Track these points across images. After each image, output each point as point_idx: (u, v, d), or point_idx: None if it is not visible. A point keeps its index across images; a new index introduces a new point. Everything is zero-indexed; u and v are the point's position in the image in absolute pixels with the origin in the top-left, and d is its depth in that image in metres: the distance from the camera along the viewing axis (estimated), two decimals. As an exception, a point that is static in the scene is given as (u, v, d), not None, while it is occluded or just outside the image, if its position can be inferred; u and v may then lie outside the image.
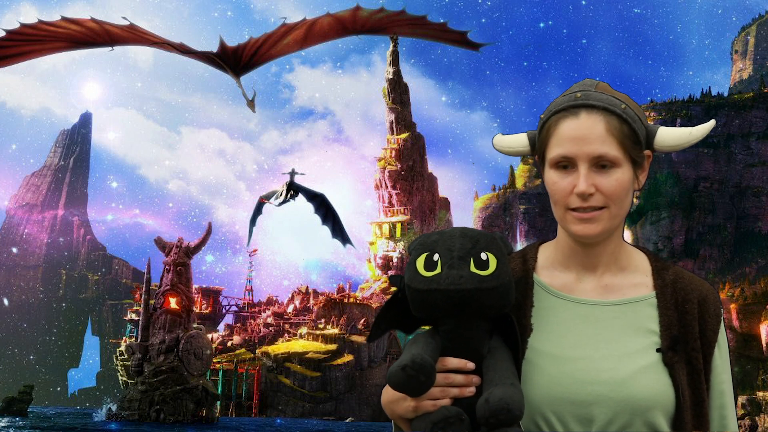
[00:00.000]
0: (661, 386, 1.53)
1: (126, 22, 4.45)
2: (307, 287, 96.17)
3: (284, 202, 16.07)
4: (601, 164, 1.52)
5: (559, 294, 1.63)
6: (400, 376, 1.39)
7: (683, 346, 1.56)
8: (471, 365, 1.45)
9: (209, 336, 66.20)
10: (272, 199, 16.26)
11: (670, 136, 1.57)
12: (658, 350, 1.55)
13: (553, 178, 1.56)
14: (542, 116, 1.61)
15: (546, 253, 1.69)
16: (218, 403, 51.03)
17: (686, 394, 1.54)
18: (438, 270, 1.43)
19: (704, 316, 1.59)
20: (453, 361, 1.45)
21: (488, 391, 1.40)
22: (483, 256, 1.44)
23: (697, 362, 1.56)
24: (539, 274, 1.67)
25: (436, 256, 1.44)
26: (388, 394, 1.52)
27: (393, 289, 1.52)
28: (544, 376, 1.55)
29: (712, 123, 1.60)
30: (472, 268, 1.42)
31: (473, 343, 1.46)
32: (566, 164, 1.54)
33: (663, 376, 1.54)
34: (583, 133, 1.52)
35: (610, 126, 1.52)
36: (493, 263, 1.44)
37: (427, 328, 1.52)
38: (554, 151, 1.55)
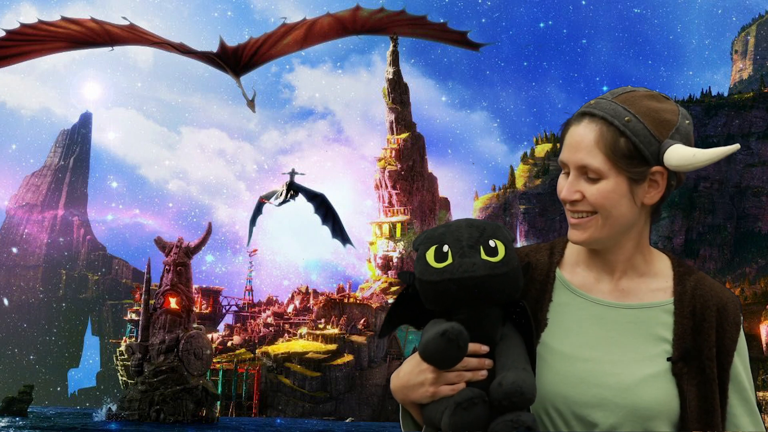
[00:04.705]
0: (666, 396, 1.51)
1: (126, 22, 4.45)
2: (307, 287, 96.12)
3: (284, 202, 16.05)
4: (587, 173, 1.52)
5: (577, 291, 1.62)
6: (439, 342, 1.40)
7: (697, 355, 1.53)
8: (485, 348, 1.47)
9: (209, 336, 66.18)
10: (272, 199, 16.25)
11: (674, 156, 1.49)
12: (668, 359, 1.53)
13: (559, 180, 1.59)
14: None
15: (573, 248, 1.68)
16: (218, 403, 51.00)
17: (693, 405, 1.52)
18: (449, 260, 1.44)
19: (723, 324, 1.56)
20: (468, 346, 1.45)
21: (501, 374, 1.42)
22: (491, 243, 1.46)
23: (711, 371, 1.53)
24: (563, 269, 1.66)
25: (445, 248, 1.46)
26: (402, 379, 1.51)
27: (394, 289, 1.55)
28: (551, 373, 1.54)
29: (725, 149, 1.49)
30: (483, 256, 1.44)
31: (486, 330, 1.47)
32: (567, 170, 1.56)
33: (670, 386, 1.52)
34: (576, 141, 1.52)
35: (601, 137, 1.50)
36: (501, 250, 1.46)
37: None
38: (560, 155, 1.58)
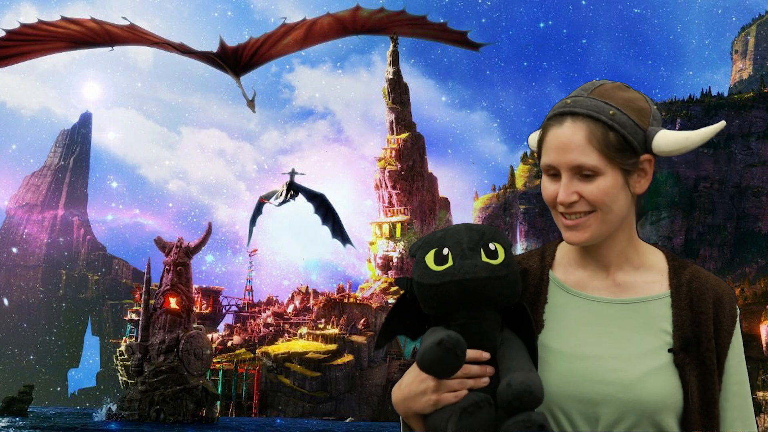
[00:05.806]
0: (670, 388, 1.51)
1: (126, 22, 4.45)
2: (307, 287, 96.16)
3: (284, 202, 16.07)
4: (582, 173, 1.50)
5: (572, 291, 1.62)
6: (436, 352, 1.38)
7: (696, 347, 1.54)
8: (486, 355, 1.45)
9: (209, 336, 66.17)
10: (272, 199, 16.27)
11: (665, 141, 1.51)
12: (670, 350, 1.53)
13: (544, 183, 1.57)
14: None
15: (564, 250, 1.68)
16: (218, 403, 51.03)
17: (696, 395, 1.52)
18: (450, 263, 1.43)
19: (719, 316, 1.56)
20: (469, 353, 1.43)
21: (509, 376, 1.41)
22: (491, 246, 1.45)
23: (711, 362, 1.54)
24: (555, 270, 1.66)
25: (445, 250, 1.44)
26: (404, 391, 1.50)
27: (394, 289, 1.55)
28: (553, 374, 1.53)
29: (714, 127, 1.54)
30: (484, 258, 1.43)
31: (487, 335, 1.46)
32: (554, 172, 1.54)
33: (673, 377, 1.52)
34: (564, 142, 1.50)
35: (591, 134, 1.49)
36: (501, 252, 1.45)
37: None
38: (543, 158, 1.55)
